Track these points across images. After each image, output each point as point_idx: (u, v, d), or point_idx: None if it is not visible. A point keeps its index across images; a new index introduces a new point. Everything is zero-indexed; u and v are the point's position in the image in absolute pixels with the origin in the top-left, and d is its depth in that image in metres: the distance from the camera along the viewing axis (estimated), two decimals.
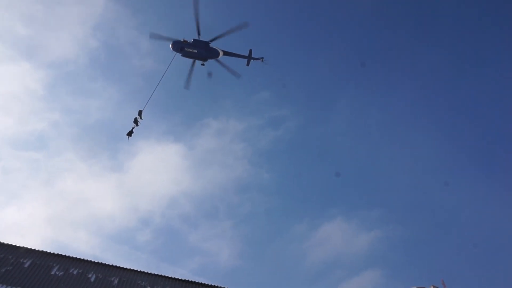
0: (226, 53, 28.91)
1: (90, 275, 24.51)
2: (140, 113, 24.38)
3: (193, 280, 27.28)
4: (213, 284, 27.38)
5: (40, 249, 25.17)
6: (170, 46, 28.32)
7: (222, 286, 27.40)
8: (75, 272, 24.24)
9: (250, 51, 28.68)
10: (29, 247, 24.92)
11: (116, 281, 24.86)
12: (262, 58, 29.07)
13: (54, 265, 24.23)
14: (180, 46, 28.04)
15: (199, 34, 27.90)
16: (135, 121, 24.24)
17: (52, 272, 23.67)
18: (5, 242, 24.51)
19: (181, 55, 28.36)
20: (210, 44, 28.26)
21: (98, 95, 65.52)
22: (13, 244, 24.71)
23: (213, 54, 28.47)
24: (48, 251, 25.26)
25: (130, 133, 24.04)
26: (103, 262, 26.14)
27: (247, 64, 29.24)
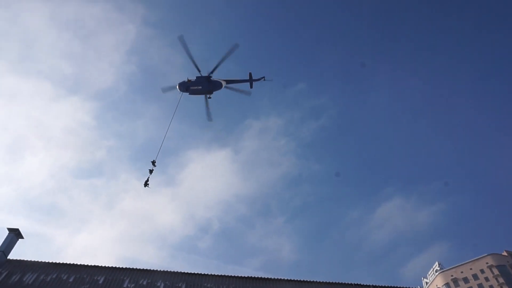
0: (228, 82, 30.30)
1: (158, 284, 25.84)
2: (153, 162, 25.70)
3: (256, 276, 27.85)
4: (276, 278, 27.75)
5: (112, 266, 27.04)
6: (177, 87, 29.82)
7: (284, 278, 27.72)
8: (144, 283, 25.69)
9: (250, 74, 29.86)
10: (102, 265, 26.86)
11: (183, 286, 26.00)
12: (263, 77, 30.22)
13: (125, 278, 25.86)
14: (186, 86, 29.44)
15: (199, 70, 29.14)
16: (150, 171, 25.64)
17: (124, 285, 25.29)
18: (80, 263, 26.60)
19: (189, 94, 29.87)
20: (211, 78, 29.37)
21: (142, 115, 69.28)
22: (87, 264, 26.77)
23: (216, 86, 29.80)
24: (119, 266, 27.06)
25: (146, 183, 25.49)
26: (170, 270, 27.45)
27: (251, 87, 30.40)
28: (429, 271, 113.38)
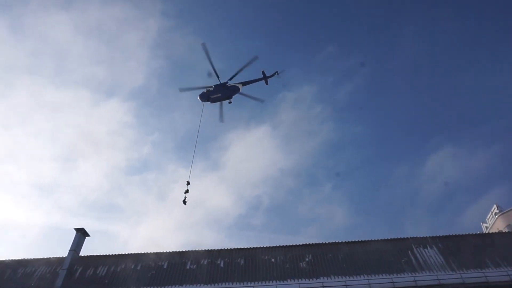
0: (245, 84, 30.54)
1: (219, 262, 27.04)
2: (188, 183, 27.26)
3: (311, 243, 28.36)
4: (331, 241, 28.11)
5: (173, 250, 28.53)
6: (198, 98, 30.52)
7: (339, 241, 28.00)
8: (205, 263, 26.98)
9: (263, 72, 30.07)
10: (164, 251, 28.39)
11: (242, 261, 27.02)
12: (276, 72, 30.40)
13: (187, 260, 27.27)
14: (206, 97, 30.16)
15: (218, 77, 29.58)
16: (186, 191, 26.96)
17: (187, 267, 26.71)
18: (144, 252, 28.30)
19: (210, 103, 30.43)
20: (228, 83, 29.93)
21: (177, 107, 70.69)
22: (152, 252, 28.41)
23: (234, 90, 30.26)
24: (180, 250, 28.50)
25: (184, 202, 26.76)
26: (228, 248, 28.53)
27: (266, 84, 30.66)
28: (487, 215, 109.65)
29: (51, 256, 28.36)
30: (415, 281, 24.30)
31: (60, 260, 27.62)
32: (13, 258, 28.34)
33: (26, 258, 28.23)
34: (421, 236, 28.11)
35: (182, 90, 30.40)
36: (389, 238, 28.13)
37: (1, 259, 28.37)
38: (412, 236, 28.13)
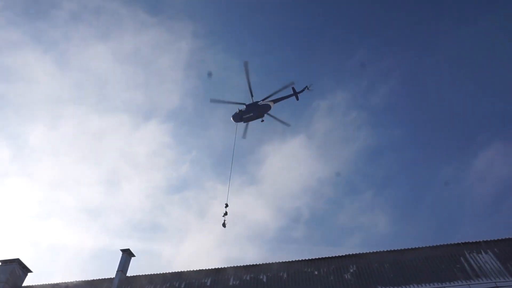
0: (275, 101, 30.40)
1: (261, 277, 26.78)
2: (226, 205, 27.01)
3: (354, 253, 27.42)
4: (374, 251, 27.04)
5: (216, 267, 28.65)
6: (232, 119, 30.83)
7: (383, 250, 26.87)
8: (248, 278, 26.81)
9: (293, 88, 29.70)
10: (207, 268, 28.60)
11: (285, 275, 26.60)
12: (306, 86, 29.97)
13: (230, 277, 27.26)
14: (239, 117, 30.38)
15: (252, 96, 29.80)
16: (225, 214, 26.70)
17: (230, 283, 26.66)
18: (187, 270, 28.65)
19: (244, 122, 30.60)
20: (259, 102, 30.07)
21: (212, 124, 71.97)
22: (194, 269, 28.73)
23: (266, 108, 30.27)
24: (222, 267, 28.56)
25: (224, 225, 26.41)
26: (271, 262, 28.22)
27: (297, 99, 30.35)
28: None
29: (100, 277, 29.43)
30: None
31: (109, 281, 28.57)
32: (66, 281, 29.70)
33: (78, 280, 29.52)
34: (474, 241, 26.36)
35: (213, 101, 30.72)
36: (439, 244, 26.64)
37: (56, 282, 29.84)
38: (463, 241, 26.46)
